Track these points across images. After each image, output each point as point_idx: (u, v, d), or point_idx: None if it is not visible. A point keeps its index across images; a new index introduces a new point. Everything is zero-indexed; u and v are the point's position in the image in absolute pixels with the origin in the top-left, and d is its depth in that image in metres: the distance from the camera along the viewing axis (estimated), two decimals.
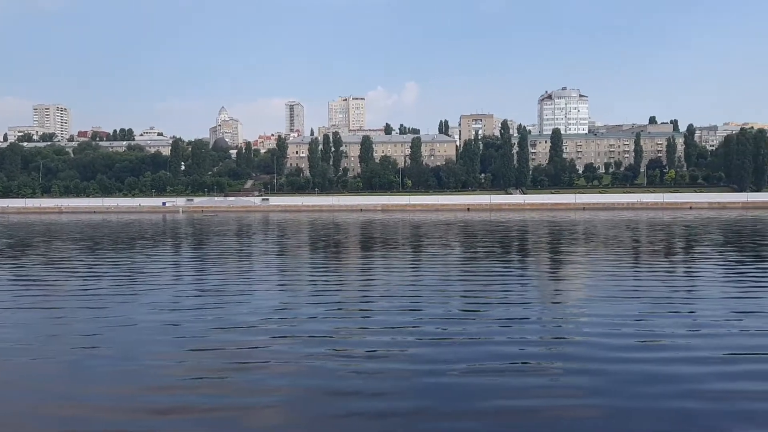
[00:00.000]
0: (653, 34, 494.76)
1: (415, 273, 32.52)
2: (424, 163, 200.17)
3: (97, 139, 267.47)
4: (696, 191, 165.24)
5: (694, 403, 12.31)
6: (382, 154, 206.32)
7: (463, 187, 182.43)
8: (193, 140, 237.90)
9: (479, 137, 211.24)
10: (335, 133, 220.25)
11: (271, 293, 26.13)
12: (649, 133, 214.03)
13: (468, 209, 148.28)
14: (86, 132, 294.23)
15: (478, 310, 21.43)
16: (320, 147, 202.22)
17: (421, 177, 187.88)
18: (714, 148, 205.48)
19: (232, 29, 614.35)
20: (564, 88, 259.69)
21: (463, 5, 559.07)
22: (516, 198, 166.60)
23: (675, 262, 37.78)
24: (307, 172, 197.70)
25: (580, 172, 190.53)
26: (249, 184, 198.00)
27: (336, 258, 42.58)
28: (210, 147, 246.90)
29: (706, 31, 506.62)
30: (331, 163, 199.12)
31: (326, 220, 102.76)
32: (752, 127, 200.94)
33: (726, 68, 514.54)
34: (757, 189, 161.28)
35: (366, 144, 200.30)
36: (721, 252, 42.37)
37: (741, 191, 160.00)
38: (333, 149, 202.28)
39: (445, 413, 11.97)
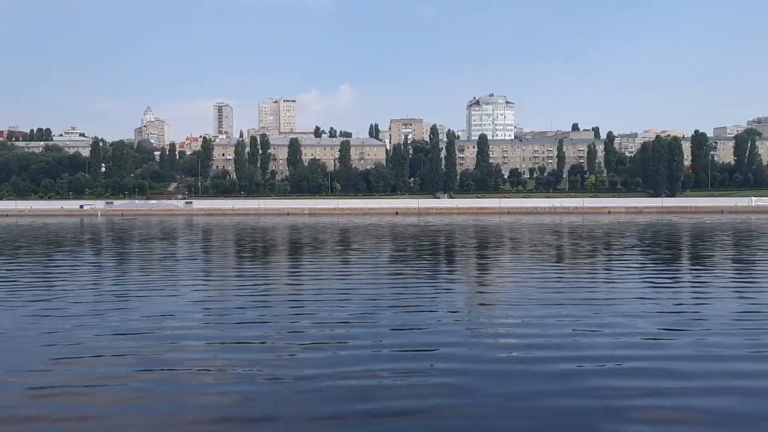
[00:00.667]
0: (579, 42, 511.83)
1: (321, 278, 31.78)
2: (353, 166, 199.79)
3: (13, 139, 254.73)
4: (614, 196, 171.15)
5: (574, 402, 12.11)
6: (311, 157, 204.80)
7: (392, 191, 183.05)
8: (115, 141, 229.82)
9: (409, 142, 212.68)
10: (263, 135, 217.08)
11: (157, 299, 24.79)
12: (572, 139, 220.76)
13: (396, 213, 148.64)
14: (2, 132, 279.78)
15: (375, 313, 20.86)
16: (247, 149, 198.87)
17: (350, 180, 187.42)
18: (633, 155, 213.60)
19: (160, 28, 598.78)
20: (491, 95, 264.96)
21: (398, 10, 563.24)
22: (443, 202, 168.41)
23: (588, 263, 38.34)
24: (233, 175, 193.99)
25: (506, 176, 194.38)
26: (173, 186, 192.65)
27: (242, 263, 41.38)
28: (135, 148, 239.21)
29: (629, 41, 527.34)
30: (258, 165, 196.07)
31: (249, 224, 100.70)
32: (669, 135, 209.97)
33: (647, 78, 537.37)
34: (672, 194, 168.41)
35: (294, 147, 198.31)
36: (632, 254, 43.35)
37: (657, 196, 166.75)
38: (260, 152, 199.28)
39: (309, 418, 11.34)
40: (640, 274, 31.63)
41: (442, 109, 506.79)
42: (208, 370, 14.48)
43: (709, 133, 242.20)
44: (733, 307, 21.61)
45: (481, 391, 12.77)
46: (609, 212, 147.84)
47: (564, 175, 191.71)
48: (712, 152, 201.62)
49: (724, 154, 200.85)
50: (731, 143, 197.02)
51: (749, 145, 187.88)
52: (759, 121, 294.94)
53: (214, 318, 20.36)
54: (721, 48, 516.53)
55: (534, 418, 11.47)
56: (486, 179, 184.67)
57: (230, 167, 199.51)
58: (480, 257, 43.21)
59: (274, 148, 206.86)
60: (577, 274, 32.45)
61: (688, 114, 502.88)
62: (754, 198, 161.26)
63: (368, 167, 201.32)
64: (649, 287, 26.80)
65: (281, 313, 21.09)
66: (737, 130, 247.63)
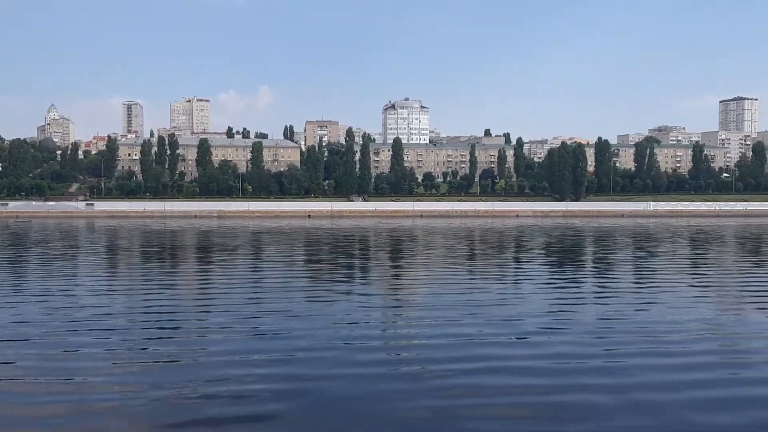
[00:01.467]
0: (494, 50, 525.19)
1: (208, 283, 30.25)
2: (267, 168, 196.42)
3: None
4: (523, 200, 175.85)
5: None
6: (223, 159, 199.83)
7: (305, 193, 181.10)
8: (13, 139, 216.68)
9: (324, 144, 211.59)
10: (171, 135, 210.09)
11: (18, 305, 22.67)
12: (484, 144, 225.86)
13: (309, 216, 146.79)
14: None
15: (256, 318, 19.69)
16: (154, 149, 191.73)
17: (262, 183, 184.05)
18: (541, 160, 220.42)
19: (74, 22, 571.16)
20: (407, 99, 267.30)
21: (319, 10, 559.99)
22: (357, 205, 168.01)
23: (483, 266, 38.35)
24: (139, 176, 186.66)
25: (420, 180, 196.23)
26: (74, 187, 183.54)
27: (128, 267, 39.12)
28: (36, 147, 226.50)
29: (542, 50, 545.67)
30: (166, 166, 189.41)
31: (152, 227, 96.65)
32: (575, 142, 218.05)
33: (558, 86, 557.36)
34: (576, 198, 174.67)
35: (203, 147, 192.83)
36: (527, 257, 43.81)
37: (562, 200, 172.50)
38: (169, 152, 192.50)
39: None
40: (526, 276, 31.78)
41: (360, 112, 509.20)
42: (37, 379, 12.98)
43: (614, 141, 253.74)
44: (602, 311, 21.52)
45: (332, 393, 12.09)
46: (517, 216, 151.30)
47: (476, 180, 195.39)
48: (614, 159, 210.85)
49: (626, 161, 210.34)
50: (632, 150, 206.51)
51: (648, 152, 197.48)
52: (659, 129, 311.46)
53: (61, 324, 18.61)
54: (627, 59, 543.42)
55: (387, 419, 10.98)
56: (400, 183, 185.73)
57: (136, 168, 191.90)
58: (380, 260, 42.61)
59: (184, 149, 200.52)
60: (472, 277, 32.32)
61: (595, 122, 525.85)
62: (652, 203, 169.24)
63: (282, 169, 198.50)
64: (537, 288, 26.75)
65: (140, 321, 19.56)
66: (638, 138, 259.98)
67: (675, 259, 41.44)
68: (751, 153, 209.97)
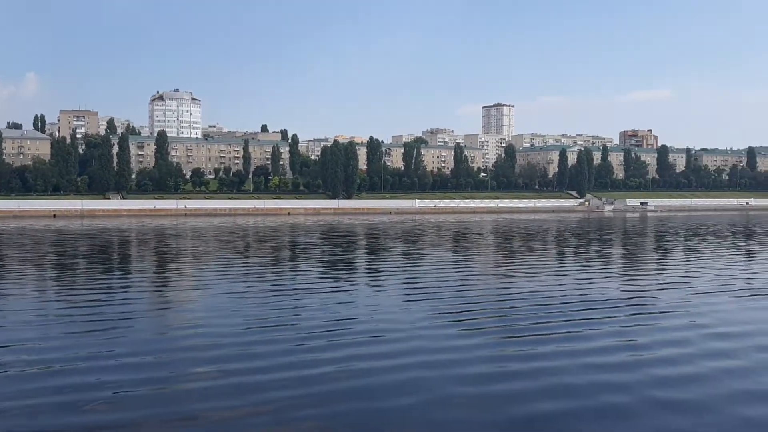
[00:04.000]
0: (276, 45, 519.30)
1: None
2: (9, 162, 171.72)
3: None
4: (297, 198, 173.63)
5: None
6: None
7: (54, 190, 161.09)
8: None
9: (79, 136, 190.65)
10: None
11: None
12: (259, 141, 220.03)
13: (54, 216, 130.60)
14: None
15: None
16: None
17: (2, 178, 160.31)
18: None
19: None
20: (176, 90, 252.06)
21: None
22: (113, 203, 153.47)
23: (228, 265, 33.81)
24: None
25: (189, 176, 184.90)
26: None
27: None
28: None
29: (327, 48, 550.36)
30: None
31: None
32: (354, 140, 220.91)
33: (341, 85, 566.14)
34: (348, 196, 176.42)
35: None
36: (274, 254, 39.96)
37: (335, 198, 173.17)
38: None
39: None
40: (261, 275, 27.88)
41: (129, 103, 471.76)
42: None
43: (389, 141, 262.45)
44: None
45: None
46: (289, 214, 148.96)
47: (250, 177, 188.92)
48: (386, 158, 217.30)
49: (397, 160, 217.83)
50: (402, 150, 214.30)
51: (415, 152, 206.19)
52: (431, 131, 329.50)
53: None
54: (408, 63, 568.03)
55: None
56: (165, 179, 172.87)
57: None
58: (112, 263, 36.46)
59: None
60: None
61: (375, 122, 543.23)
62: (417, 200, 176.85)
63: (29, 163, 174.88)
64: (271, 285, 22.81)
65: None
66: (411, 139, 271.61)
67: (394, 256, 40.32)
68: (504, 154, 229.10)
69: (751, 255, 46.00)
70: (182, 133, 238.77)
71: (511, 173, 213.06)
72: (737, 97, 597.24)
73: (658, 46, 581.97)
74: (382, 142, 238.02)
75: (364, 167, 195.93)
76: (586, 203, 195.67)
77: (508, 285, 29.68)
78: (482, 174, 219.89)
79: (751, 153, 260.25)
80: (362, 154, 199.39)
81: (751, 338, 17.98)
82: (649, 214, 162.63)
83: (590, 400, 12.80)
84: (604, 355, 16.04)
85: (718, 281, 30.08)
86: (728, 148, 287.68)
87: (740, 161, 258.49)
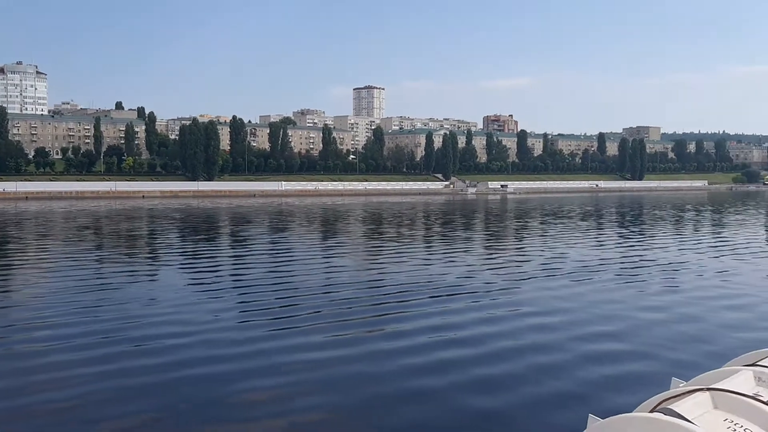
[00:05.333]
0: (133, 16, 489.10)
1: None
2: None
3: None
4: (153, 180, 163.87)
5: None
6: None
7: None
8: None
9: None
10: None
11: None
12: (113, 119, 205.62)
13: None
14: None
15: None
16: None
17: None
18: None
19: None
20: (19, 63, 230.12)
21: None
22: None
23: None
24: None
25: (32, 157, 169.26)
26: None
27: None
28: None
29: (189, 25, 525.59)
30: None
31: None
32: (220, 119, 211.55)
33: (210, 63, 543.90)
34: (209, 178, 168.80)
35: None
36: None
37: (194, 180, 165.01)
38: None
39: None
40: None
41: None
42: None
43: (257, 121, 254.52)
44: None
45: None
46: (143, 197, 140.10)
47: (101, 157, 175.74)
48: (252, 138, 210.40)
49: (263, 141, 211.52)
50: (268, 130, 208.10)
51: (282, 133, 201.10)
52: (302, 112, 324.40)
53: None
54: (281, 43, 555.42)
55: None
56: (5, 159, 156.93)
57: None
58: None
59: None
60: None
61: (245, 102, 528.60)
62: (283, 182, 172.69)
63: None
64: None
65: None
66: (279, 119, 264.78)
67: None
68: (373, 137, 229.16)
69: (586, 236, 47.00)
70: (26, 109, 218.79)
71: (380, 156, 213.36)
72: (591, 85, 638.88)
73: (521, 35, 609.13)
74: (250, 122, 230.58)
75: (229, 148, 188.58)
76: (451, 186, 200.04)
77: (329, 272, 27.48)
78: (351, 156, 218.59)
79: (601, 138, 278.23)
80: (226, 134, 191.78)
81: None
82: (508, 196, 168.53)
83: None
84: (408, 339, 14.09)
85: (548, 263, 29.58)
86: (582, 134, 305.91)
87: (592, 146, 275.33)
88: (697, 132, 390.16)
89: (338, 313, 18.36)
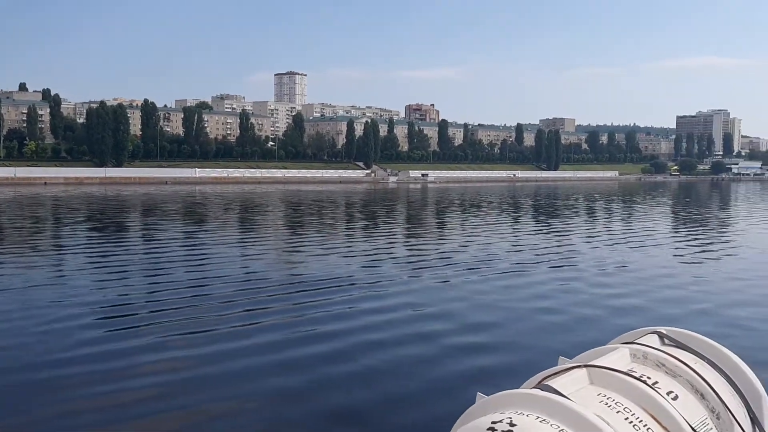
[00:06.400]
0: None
1: None
2: None
3: None
4: (58, 165, 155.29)
5: None
6: None
7: None
8: None
9: None
10: None
11: None
12: (14, 100, 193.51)
13: None
14: None
15: None
16: None
17: None
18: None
19: None
20: None
21: None
22: None
23: None
24: None
25: None
26: None
27: None
28: None
29: (109, 10, 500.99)
30: None
31: None
32: (132, 103, 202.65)
33: (127, 46, 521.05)
34: (118, 164, 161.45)
35: None
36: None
37: (102, 166, 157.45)
38: None
39: None
40: None
41: None
42: None
43: (172, 106, 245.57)
44: None
45: None
46: (45, 184, 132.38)
47: (1, 141, 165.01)
48: (165, 123, 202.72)
49: (177, 126, 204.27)
50: (182, 115, 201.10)
51: (197, 118, 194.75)
52: (221, 97, 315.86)
53: None
54: (196, 24, 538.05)
55: None
56: None
57: None
58: None
59: None
60: None
61: (161, 85, 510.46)
62: (198, 169, 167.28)
63: None
64: None
65: None
66: (195, 104, 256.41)
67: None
68: (293, 123, 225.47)
69: (498, 227, 46.56)
70: None
71: (300, 143, 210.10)
72: (511, 77, 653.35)
73: (446, 26, 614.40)
74: (166, 106, 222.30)
75: (140, 133, 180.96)
76: (372, 174, 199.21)
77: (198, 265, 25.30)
78: (270, 143, 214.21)
79: (519, 129, 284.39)
80: (137, 118, 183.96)
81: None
82: (429, 185, 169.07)
83: None
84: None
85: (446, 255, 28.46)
86: (501, 125, 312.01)
87: (510, 136, 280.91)
88: (610, 124, 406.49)
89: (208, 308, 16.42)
